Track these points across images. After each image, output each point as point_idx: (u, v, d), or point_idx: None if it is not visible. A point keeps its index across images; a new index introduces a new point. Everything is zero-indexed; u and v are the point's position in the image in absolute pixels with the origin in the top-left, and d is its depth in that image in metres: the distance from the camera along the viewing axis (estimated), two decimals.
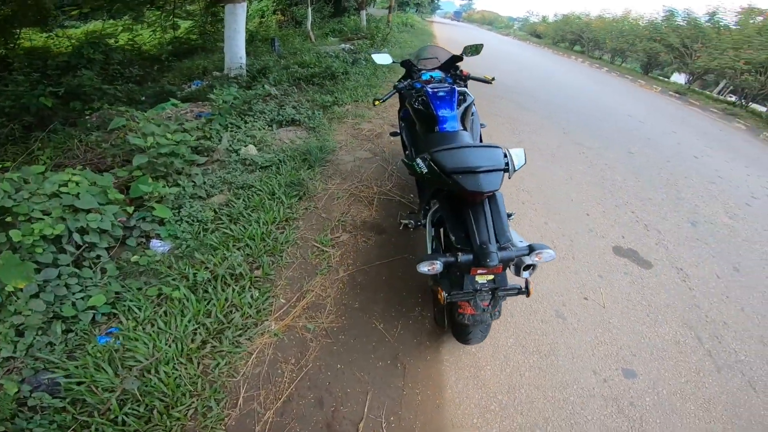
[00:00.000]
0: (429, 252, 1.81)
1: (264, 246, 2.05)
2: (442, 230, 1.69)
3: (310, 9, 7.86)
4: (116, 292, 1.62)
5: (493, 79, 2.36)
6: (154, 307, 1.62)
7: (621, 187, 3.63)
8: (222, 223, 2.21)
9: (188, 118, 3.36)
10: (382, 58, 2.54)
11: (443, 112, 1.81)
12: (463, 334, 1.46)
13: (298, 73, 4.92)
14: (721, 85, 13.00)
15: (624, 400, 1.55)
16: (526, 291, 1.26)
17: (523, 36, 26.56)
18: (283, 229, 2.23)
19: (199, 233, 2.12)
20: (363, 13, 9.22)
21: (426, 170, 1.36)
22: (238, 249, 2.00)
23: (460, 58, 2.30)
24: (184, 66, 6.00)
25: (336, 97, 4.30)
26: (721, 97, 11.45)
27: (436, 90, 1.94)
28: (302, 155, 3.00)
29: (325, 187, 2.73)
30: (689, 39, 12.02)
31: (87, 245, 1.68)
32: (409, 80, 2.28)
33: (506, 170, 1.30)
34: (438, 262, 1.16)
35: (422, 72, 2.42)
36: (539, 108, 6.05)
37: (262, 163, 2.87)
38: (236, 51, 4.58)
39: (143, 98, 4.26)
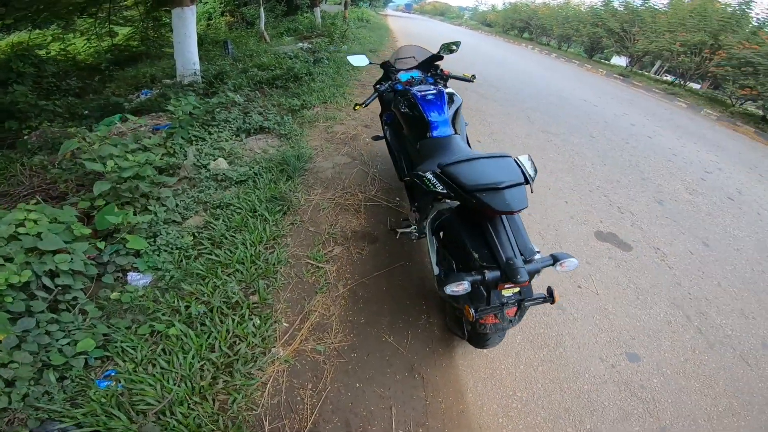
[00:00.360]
0: (434, 264, 1.81)
1: (255, 269, 1.96)
2: (442, 240, 1.70)
3: (262, 9, 7.58)
4: (104, 334, 1.49)
5: (473, 77, 2.40)
6: (150, 346, 1.51)
7: (590, 172, 3.86)
8: (204, 248, 2.08)
9: (145, 134, 3.12)
10: (359, 60, 2.50)
11: (434, 116, 1.81)
12: (482, 341, 1.48)
13: (259, 77, 4.73)
14: (657, 65, 14.24)
15: (634, 384, 1.67)
16: (551, 298, 1.26)
17: (475, 25, 27.42)
18: (272, 248, 2.15)
19: (182, 261, 1.98)
20: (317, 10, 9.03)
21: (441, 187, 1.34)
22: (228, 275, 1.89)
23: (440, 57, 2.30)
24: (128, 75, 5.55)
25: (304, 100, 4.19)
26: (661, 78, 12.55)
27: (423, 93, 1.94)
28: (279, 166, 2.90)
29: (308, 199, 2.65)
30: (627, 23, 13.00)
31: (60, 288, 1.52)
32: (389, 82, 2.26)
33: (527, 182, 1.29)
34: (465, 282, 1.15)
35: (401, 72, 2.41)
36: (502, 97, 6.27)
37: (237, 178, 2.73)
38: (188, 57, 4.31)
39: (86, 112, 3.89)
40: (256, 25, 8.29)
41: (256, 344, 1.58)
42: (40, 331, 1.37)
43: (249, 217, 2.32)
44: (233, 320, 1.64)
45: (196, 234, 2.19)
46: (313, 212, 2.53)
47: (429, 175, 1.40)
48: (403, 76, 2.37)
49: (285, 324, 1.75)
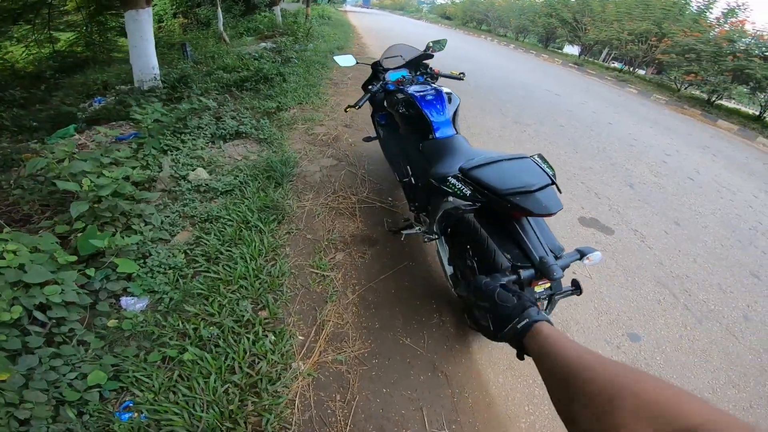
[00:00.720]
0: (445, 264, 1.86)
1: (260, 284, 1.91)
2: (457, 240, 1.74)
3: (219, 9, 7.26)
4: (113, 365, 1.40)
5: (462, 74, 2.45)
6: (166, 373, 1.44)
7: (565, 160, 4.09)
8: (200, 266, 2.00)
9: (109, 145, 2.91)
10: (345, 60, 2.48)
11: (436, 117, 1.84)
12: None
13: (225, 79, 4.55)
14: (605, 53, 15.26)
15: (641, 363, 1.82)
16: (578, 290, 1.30)
17: (435, 19, 27.86)
18: (272, 260, 2.09)
19: (178, 281, 1.89)
20: (277, 9, 8.77)
21: (468, 191, 1.36)
22: (232, 293, 1.83)
23: (430, 56, 2.33)
24: (77, 82, 5.10)
25: (279, 102, 4.08)
26: (610, 65, 13.44)
27: (422, 93, 1.96)
28: (265, 172, 2.82)
29: (300, 205, 2.61)
30: (579, 13, 13.80)
31: (54, 320, 1.42)
32: (381, 82, 2.26)
33: (554, 183, 1.30)
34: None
35: (390, 72, 2.42)
36: (472, 90, 6.46)
37: (222, 188, 2.62)
38: (146, 61, 4.04)
39: (35, 124, 3.55)
40: (212, 26, 7.96)
41: (276, 361, 1.55)
42: (45, 367, 1.27)
43: (242, 230, 2.25)
44: (248, 339, 1.59)
45: (189, 251, 2.09)
46: (308, 219, 2.49)
47: (453, 180, 1.42)
48: (392, 76, 2.38)
49: (300, 337, 1.73)
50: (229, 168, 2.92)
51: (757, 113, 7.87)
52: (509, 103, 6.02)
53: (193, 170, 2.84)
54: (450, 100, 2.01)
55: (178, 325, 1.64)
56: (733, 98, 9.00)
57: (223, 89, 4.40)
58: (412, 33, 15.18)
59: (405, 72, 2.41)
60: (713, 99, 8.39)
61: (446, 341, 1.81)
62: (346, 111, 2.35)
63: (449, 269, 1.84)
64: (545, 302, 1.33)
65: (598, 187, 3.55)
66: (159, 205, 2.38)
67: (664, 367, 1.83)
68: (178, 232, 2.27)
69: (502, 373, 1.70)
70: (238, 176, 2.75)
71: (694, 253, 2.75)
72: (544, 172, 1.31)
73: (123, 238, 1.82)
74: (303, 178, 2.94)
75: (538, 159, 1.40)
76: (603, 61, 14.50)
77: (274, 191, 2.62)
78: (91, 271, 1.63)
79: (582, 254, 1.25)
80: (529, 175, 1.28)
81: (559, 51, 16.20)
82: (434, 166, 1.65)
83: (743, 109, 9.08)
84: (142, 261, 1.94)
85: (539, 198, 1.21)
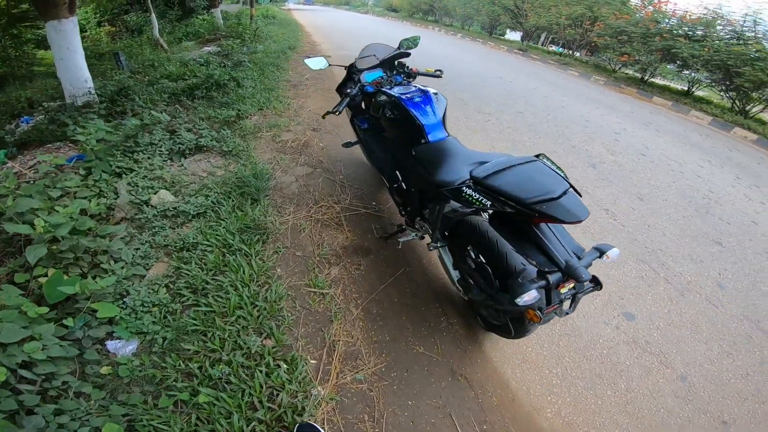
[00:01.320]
0: (451, 269, 1.87)
1: (258, 311, 1.81)
2: (465, 246, 1.76)
3: (153, 15, 6.72)
4: (122, 414, 1.30)
5: (440, 71, 2.46)
6: (184, 418, 1.35)
7: (530, 146, 4.30)
8: (186, 299, 1.85)
9: (56, 176, 2.59)
10: (317, 63, 2.39)
11: (426, 120, 1.82)
12: (523, 333, 1.59)
13: (172, 88, 4.22)
14: (543, 37, 16.21)
15: (641, 341, 1.98)
16: (599, 286, 1.34)
17: (381, 12, 27.84)
18: (265, 284, 1.99)
19: (166, 318, 1.75)
20: (217, 11, 8.26)
21: (485, 200, 1.33)
22: (230, 325, 1.72)
23: (406, 54, 2.30)
24: None
25: (238, 109, 3.87)
26: (549, 49, 14.30)
27: (409, 95, 1.93)
28: (237, 189, 2.66)
29: (282, 221, 2.50)
30: (519, 0, 14.46)
31: (43, 376, 1.28)
32: (359, 84, 2.20)
33: (573, 187, 1.29)
34: (534, 291, 1.19)
35: (364, 73, 2.37)
36: (431, 82, 6.55)
37: (193, 211, 2.45)
38: (77, 74, 3.63)
39: None
40: (146, 33, 7.37)
41: (295, 390, 1.49)
42: (53, 426, 1.18)
43: (225, 255, 2.12)
44: (261, 372, 1.51)
45: (170, 285, 1.94)
46: (294, 235, 2.40)
47: (469, 190, 1.39)
48: (368, 76, 2.32)
49: (313, 361, 1.67)
50: (195, 187, 2.72)
51: (686, 88, 8.79)
52: (466, 92, 6.18)
53: (155, 193, 2.62)
54: (438, 100, 1.99)
55: (180, 365, 1.53)
56: (663, 76, 9.98)
57: (171, 99, 4.08)
58: (360, 27, 15.10)
59: (380, 72, 2.37)
60: (646, 78, 9.23)
61: (459, 344, 1.85)
62: (323, 117, 2.28)
63: (455, 274, 1.86)
64: (569, 301, 1.38)
65: (566, 170, 3.76)
66: (125, 237, 2.17)
67: (662, 343, 2.00)
68: (153, 265, 2.09)
69: (518, 367, 1.77)
70: (208, 196, 2.58)
71: (662, 226, 3.03)
72: (559, 174, 1.31)
73: (95, 281, 1.64)
74: (279, 190, 2.82)
75: (546, 160, 1.42)
76: (542, 44, 15.41)
77: (252, 209, 2.49)
78: (69, 321, 1.47)
79: (601, 252, 1.29)
80: (547, 179, 1.27)
81: (503, 38, 16.93)
82: (435, 172, 1.63)
83: (672, 85, 10.08)
84: (120, 301, 1.77)
85: (565, 205, 1.19)
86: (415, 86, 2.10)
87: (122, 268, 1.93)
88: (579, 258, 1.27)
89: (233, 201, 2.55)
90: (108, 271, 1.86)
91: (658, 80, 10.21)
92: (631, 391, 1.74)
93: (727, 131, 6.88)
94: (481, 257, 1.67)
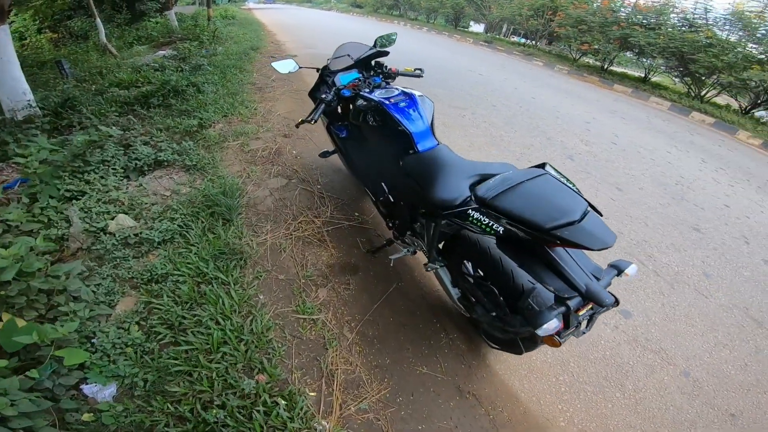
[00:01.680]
0: (450, 287, 1.78)
1: (245, 345, 1.66)
2: (466, 268, 1.69)
3: (98, 19, 6.23)
4: None
5: (421, 70, 2.36)
6: None
7: (508, 140, 4.32)
8: (162, 337, 1.68)
9: None
10: (285, 66, 2.23)
11: (414, 127, 1.70)
12: (533, 349, 1.53)
13: (123, 97, 3.89)
14: (504, 28, 16.58)
15: (641, 338, 1.99)
16: (617, 302, 1.23)
17: (345, 8, 27.40)
18: (248, 314, 1.84)
19: (143, 358, 1.58)
20: (171, 13, 7.74)
21: (502, 228, 1.20)
22: (216, 363, 1.56)
23: (384, 53, 2.18)
24: None
25: (200, 118, 3.61)
26: (512, 39, 14.63)
27: (393, 99, 1.79)
28: (206, 209, 2.45)
29: (260, 242, 2.33)
30: None
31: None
32: (334, 88, 2.06)
33: (593, 206, 1.18)
34: (555, 320, 1.11)
35: (339, 74, 2.23)
36: (402, 78, 6.48)
37: (158, 237, 2.23)
38: (13, 86, 3.25)
39: None
40: (91, 39, 6.85)
41: (298, 428, 1.37)
42: None
43: (200, 285, 1.94)
44: (259, 412, 1.38)
45: (142, 322, 1.75)
46: (274, 256, 2.24)
47: (477, 214, 1.26)
48: (343, 78, 2.19)
49: (312, 394, 1.56)
50: (158, 209, 2.49)
51: (643, 75, 9.23)
52: (439, 87, 6.15)
53: (112, 219, 2.37)
54: (424, 104, 1.87)
55: (168, 408, 1.40)
56: (621, 63, 10.43)
57: (123, 109, 3.76)
58: (325, 24, 14.78)
59: (356, 73, 2.24)
60: (606, 66, 9.61)
61: (462, 360, 1.78)
62: (297, 127, 2.13)
63: (455, 291, 1.78)
64: (586, 321, 1.32)
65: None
66: (83, 272, 1.93)
67: (661, 339, 2.02)
68: (119, 301, 1.89)
69: (525, 378, 1.73)
70: (174, 219, 2.36)
71: (643, 216, 3.11)
72: (572, 188, 1.23)
73: (56, 327, 1.44)
74: (253, 207, 2.64)
75: (552, 171, 1.34)
76: (504, 35, 15.74)
77: (225, 230, 2.30)
78: (34, 373, 1.30)
79: (619, 270, 1.21)
80: (563, 198, 1.17)
81: (467, 30, 17.14)
82: (429, 188, 1.50)
83: (630, 72, 10.57)
84: (88, 344, 1.58)
85: (588, 229, 1.08)
86: (398, 88, 1.96)
87: (85, 307, 1.72)
88: (597, 278, 1.19)
89: (202, 223, 2.35)
90: (69, 313, 1.65)
91: (616, 68, 10.66)
92: (639, 391, 1.75)
93: (685, 116, 7.28)
94: (481, 272, 1.60)
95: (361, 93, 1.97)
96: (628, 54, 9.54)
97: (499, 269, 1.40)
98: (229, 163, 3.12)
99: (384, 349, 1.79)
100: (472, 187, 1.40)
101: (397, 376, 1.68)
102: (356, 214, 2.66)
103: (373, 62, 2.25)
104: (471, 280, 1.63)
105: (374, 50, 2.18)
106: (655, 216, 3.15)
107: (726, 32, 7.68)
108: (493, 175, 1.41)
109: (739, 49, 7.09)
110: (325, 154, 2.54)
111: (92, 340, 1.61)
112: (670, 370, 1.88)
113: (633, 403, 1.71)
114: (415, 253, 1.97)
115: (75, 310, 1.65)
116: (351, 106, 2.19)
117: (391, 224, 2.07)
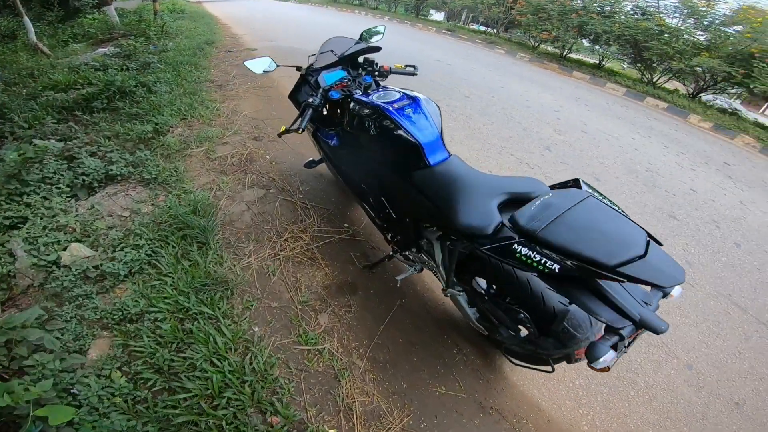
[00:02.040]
0: (467, 310, 1.67)
1: (249, 387, 1.51)
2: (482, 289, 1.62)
3: (26, 17, 5.53)
4: None
5: (414, 67, 2.22)
6: None
7: (486, 133, 4.34)
8: (152, 383, 1.49)
9: None
10: (260, 64, 2.03)
11: (424, 137, 1.52)
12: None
13: (61, 101, 3.43)
14: (464, 15, 16.82)
15: (643, 334, 2.02)
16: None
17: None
18: (245, 351, 1.67)
19: (135, 409, 1.40)
20: (111, 8, 6.95)
21: (558, 267, 1.04)
22: (222, 409, 1.41)
23: (376, 48, 1.99)
24: None
25: (155, 122, 3.27)
26: (471, 27, 14.85)
27: (397, 104, 1.61)
28: (176, 231, 2.20)
29: (244, 265, 2.12)
30: None
31: None
32: (322, 90, 1.87)
33: (652, 237, 1.07)
34: (612, 352, 1.04)
35: (323, 73, 2.05)
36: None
37: (123, 270, 1.97)
38: None
39: None
40: (20, 38, 6.09)
41: None
42: None
43: (184, 322, 1.74)
44: None
45: (124, 368, 1.54)
46: (262, 281, 2.05)
47: (524, 250, 1.10)
48: (327, 78, 2.01)
49: (332, 431, 1.44)
50: (118, 234, 2.20)
51: (597, 62, 9.70)
52: (411, 78, 6.07)
53: (64, 249, 2.08)
54: (430, 108, 1.68)
55: None
56: (578, 51, 10.88)
57: (62, 115, 3.32)
58: (283, 16, 14.07)
59: (342, 72, 2.07)
60: (565, 53, 9.99)
61: (479, 375, 1.75)
62: (280, 137, 1.94)
63: (472, 312, 1.68)
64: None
65: (526, 156, 3.87)
66: (41, 316, 1.66)
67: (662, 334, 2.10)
68: (91, 345, 1.66)
69: (543, 386, 1.74)
70: (139, 245, 2.09)
71: (623, 206, 3.17)
72: (621, 213, 1.13)
73: (29, 387, 1.22)
74: (230, 224, 2.42)
75: (594, 193, 1.22)
76: (463, 23, 15.96)
77: (202, 256, 2.08)
78: None
79: (664, 292, 1.16)
80: (619, 228, 1.06)
81: (429, 18, 17.13)
82: (450, 210, 1.33)
83: (585, 59, 11.07)
84: (69, 397, 1.38)
85: (656, 264, 0.97)
86: (399, 90, 1.78)
87: (54, 359, 1.48)
88: (646, 303, 1.12)
89: (174, 248, 2.11)
90: (36, 365, 1.41)
91: (573, 55, 11.12)
92: (651, 388, 1.81)
93: (640, 101, 7.74)
94: (494, 288, 1.54)
95: (354, 96, 1.81)
96: (585, 42, 9.96)
97: (528, 292, 1.34)
98: (195, 174, 2.85)
99: (398, 373, 1.71)
100: (501, 208, 1.29)
101: (416, 400, 1.61)
102: (346, 225, 2.53)
103: (361, 59, 2.08)
104: (492, 300, 1.56)
105: (363, 45, 2.00)
106: (634, 205, 3.30)
107: (676, 20, 8.21)
108: (523, 195, 1.32)
109: (687, 36, 7.62)
110: (310, 164, 2.36)
111: (71, 391, 1.41)
112: (674, 363, 1.96)
113: (647, 399, 1.77)
114: (421, 270, 1.87)
115: (43, 363, 1.42)
116: (339, 110, 2.04)
117: (390, 238, 1.95)
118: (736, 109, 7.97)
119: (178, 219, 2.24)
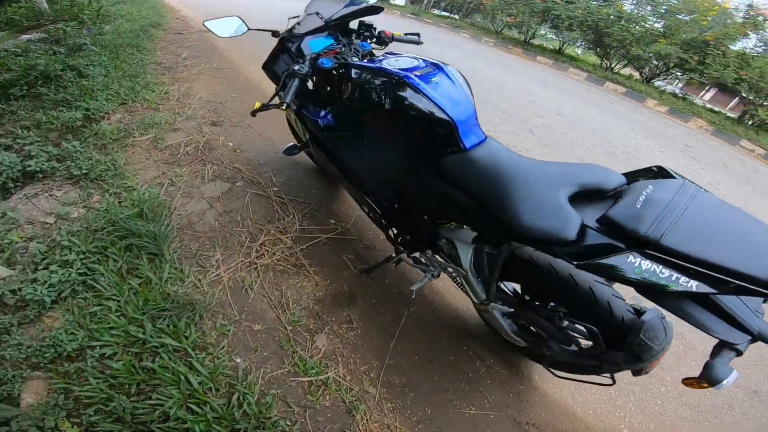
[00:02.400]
0: (503, 322, 1.45)
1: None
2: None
3: None
4: None
5: (418, 35, 1.93)
6: None
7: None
8: None
9: None
10: (225, 26, 1.65)
11: (458, 113, 1.19)
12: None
13: None
14: (425, 0, 16.58)
15: None
16: None
17: None
18: (229, 390, 1.33)
19: None
20: None
21: (694, 282, 0.83)
22: None
23: (377, 9, 1.66)
24: None
25: (85, 107, 2.70)
26: (435, 13, 14.70)
27: (418, 71, 1.27)
28: (117, 240, 1.75)
29: (211, 280, 1.73)
30: None
31: None
32: (309, 57, 1.50)
33: None
34: (735, 372, 0.87)
35: (307, 39, 1.70)
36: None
37: (49, 294, 1.52)
38: None
39: None
40: None
41: None
42: None
43: (142, 358, 1.36)
44: None
45: (72, 418, 1.15)
46: (237, 298, 1.69)
47: (645, 264, 0.86)
48: (312, 45, 1.65)
49: None
50: (40, 247, 1.72)
51: (558, 48, 9.94)
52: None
53: None
54: (458, 78, 1.36)
55: None
56: (541, 36, 11.10)
57: None
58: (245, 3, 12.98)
59: (329, 39, 1.72)
60: (528, 38, 10.13)
61: (508, 388, 1.57)
62: (253, 115, 1.58)
63: (508, 324, 1.45)
64: None
65: (511, 140, 3.75)
66: None
67: (675, 323, 2.01)
68: (23, 390, 1.24)
69: (575, 392, 1.63)
70: (69, 261, 1.64)
71: None
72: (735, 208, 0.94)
73: None
74: (190, 228, 2.00)
75: (691, 183, 0.98)
76: (425, 7, 15.74)
77: (156, 271, 1.67)
78: None
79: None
80: (744, 226, 0.88)
81: (392, 2, 16.70)
82: (500, 206, 1.07)
83: (545, 44, 11.33)
84: None
85: None
86: (413, 57, 1.43)
87: None
88: (760, 313, 0.94)
89: (116, 263, 1.67)
90: None
91: (535, 40, 11.35)
92: (678, 383, 1.73)
93: (600, 86, 8.01)
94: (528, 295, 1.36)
95: (359, 63, 1.47)
96: (547, 27, 10.15)
97: (591, 299, 1.14)
98: (139, 168, 2.36)
99: (419, 396, 1.47)
100: (574, 202, 1.02)
101: (445, 426, 1.40)
102: (332, 221, 2.21)
103: (355, 24, 1.75)
104: (533, 310, 1.35)
105: (363, 5, 1.65)
106: None
107: (633, 7, 8.56)
108: (594, 186, 1.06)
109: (644, 23, 7.95)
110: (291, 151, 1.99)
111: None
112: (692, 355, 1.92)
113: (677, 394, 1.71)
114: (438, 275, 1.60)
115: None
116: (329, 84, 1.72)
117: (395, 237, 1.67)
118: (687, 94, 8.51)
119: (119, 225, 1.78)
